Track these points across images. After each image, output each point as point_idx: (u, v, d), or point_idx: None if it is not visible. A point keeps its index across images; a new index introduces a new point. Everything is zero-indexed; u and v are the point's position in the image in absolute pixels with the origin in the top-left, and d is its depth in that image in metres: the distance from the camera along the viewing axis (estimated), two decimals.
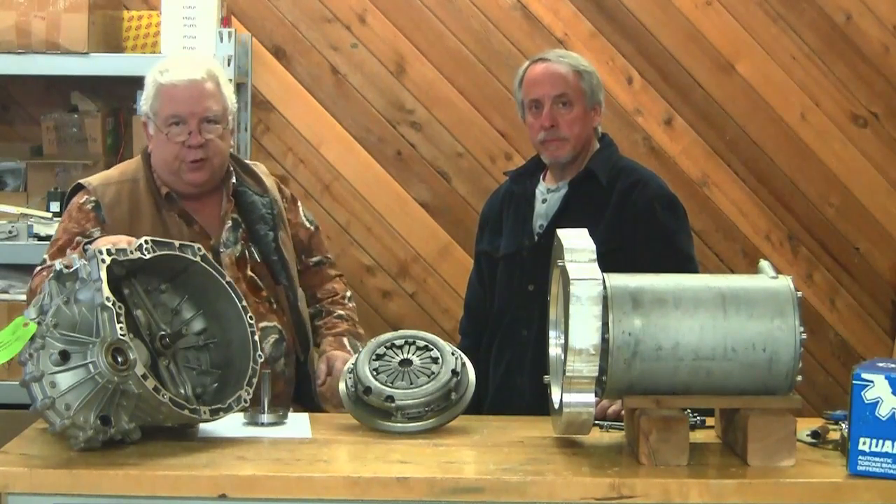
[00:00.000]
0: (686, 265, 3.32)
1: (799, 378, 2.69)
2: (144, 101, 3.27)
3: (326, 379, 3.17)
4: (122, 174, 3.32)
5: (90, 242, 3.03)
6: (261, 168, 3.47)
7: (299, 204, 3.48)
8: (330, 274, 3.47)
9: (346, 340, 3.28)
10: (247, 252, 3.29)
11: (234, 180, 3.32)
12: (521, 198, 3.54)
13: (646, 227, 3.38)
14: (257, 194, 3.34)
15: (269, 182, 3.42)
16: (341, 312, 3.39)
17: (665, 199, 3.45)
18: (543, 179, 3.54)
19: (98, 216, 3.24)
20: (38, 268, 3.22)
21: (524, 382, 3.37)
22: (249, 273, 3.26)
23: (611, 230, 3.36)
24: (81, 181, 3.34)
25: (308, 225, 3.45)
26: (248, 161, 3.51)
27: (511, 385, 3.45)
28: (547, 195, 3.51)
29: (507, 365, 3.48)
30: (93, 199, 3.26)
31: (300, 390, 3.34)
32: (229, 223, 3.30)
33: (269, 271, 3.30)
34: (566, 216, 3.40)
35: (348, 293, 3.48)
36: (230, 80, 4.17)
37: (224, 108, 3.26)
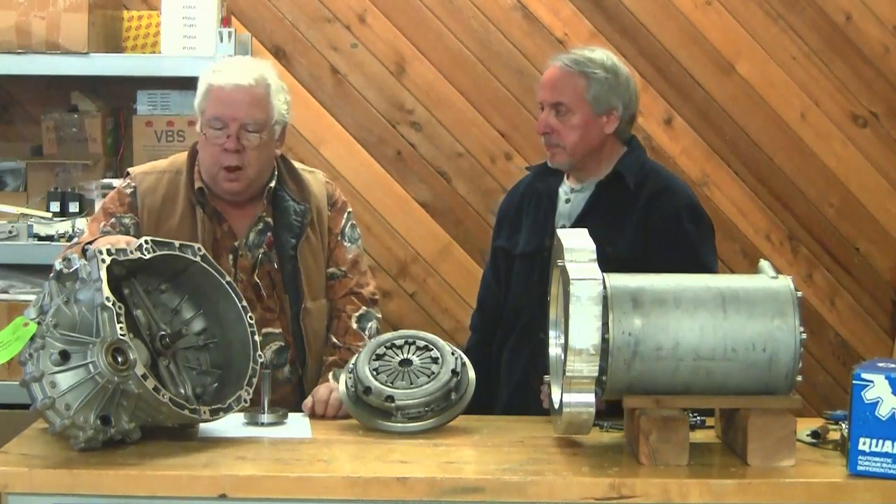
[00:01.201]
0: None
1: (799, 378, 2.69)
2: (196, 98, 3.28)
3: (313, 408, 3.11)
4: (171, 164, 3.35)
5: (90, 243, 3.03)
6: (318, 175, 3.44)
7: (346, 215, 3.42)
8: (342, 290, 3.38)
9: (330, 375, 3.24)
10: (265, 257, 3.28)
11: (273, 184, 3.30)
12: (543, 195, 3.48)
13: (670, 235, 3.32)
14: (294, 200, 3.31)
15: (318, 189, 3.38)
16: (335, 341, 3.32)
17: (692, 209, 3.40)
18: (567, 178, 3.48)
19: (133, 202, 3.28)
20: (73, 241, 3.29)
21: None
22: (255, 279, 3.26)
23: (636, 235, 3.32)
24: (130, 168, 3.40)
25: (338, 235, 3.39)
26: (305, 167, 3.47)
27: (528, 390, 3.36)
28: (570, 195, 3.45)
29: (524, 370, 3.42)
30: (133, 185, 3.31)
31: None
32: (260, 226, 3.30)
33: (283, 278, 3.29)
34: (591, 217, 3.33)
35: (358, 312, 3.37)
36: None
37: (268, 118, 3.25)
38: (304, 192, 3.35)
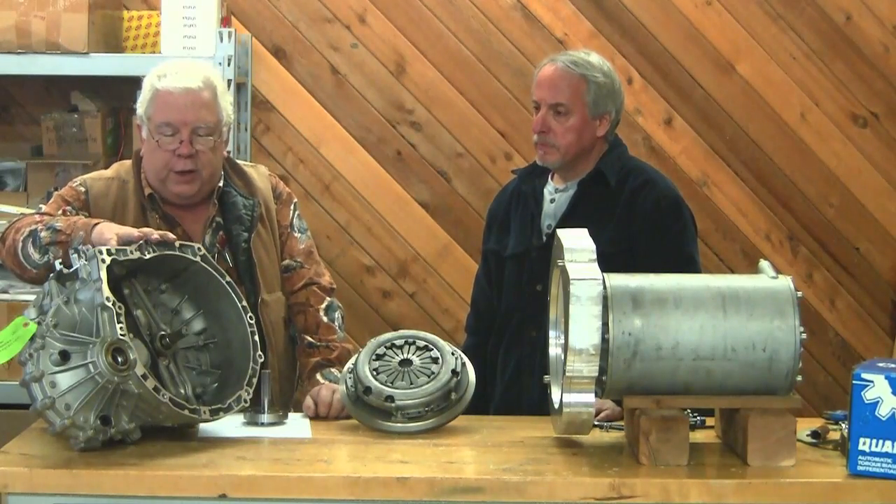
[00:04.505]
0: (687, 266, 3.31)
1: (799, 378, 2.69)
2: (140, 104, 3.25)
3: (317, 409, 3.10)
4: (115, 173, 3.32)
5: (95, 225, 3.00)
6: (260, 169, 3.44)
7: (293, 206, 3.42)
8: (300, 280, 3.36)
9: (318, 377, 3.24)
10: (220, 255, 3.24)
11: (220, 184, 3.29)
12: (529, 197, 3.53)
13: (650, 227, 3.37)
14: (241, 195, 3.30)
15: (263, 183, 3.38)
16: (311, 340, 3.31)
17: (670, 200, 3.44)
18: (552, 179, 3.53)
19: (86, 201, 3.23)
20: (32, 213, 3.23)
21: (532, 383, 3.34)
22: None
23: (619, 231, 3.35)
24: (76, 178, 3.35)
25: (288, 227, 3.39)
26: (246, 163, 3.49)
27: (520, 386, 3.44)
28: (555, 195, 3.49)
29: (516, 366, 3.46)
30: (84, 187, 3.26)
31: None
32: (213, 226, 3.28)
33: (238, 272, 3.27)
34: (574, 216, 3.38)
35: (323, 304, 3.36)
36: (230, 82, 4.20)
37: (218, 120, 3.22)
38: (251, 187, 3.35)
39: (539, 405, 3.11)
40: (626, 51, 4.73)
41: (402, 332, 3.12)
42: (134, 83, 3.33)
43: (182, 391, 2.83)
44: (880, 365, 2.57)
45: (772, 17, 4.73)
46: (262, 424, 2.97)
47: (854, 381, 2.54)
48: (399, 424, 2.93)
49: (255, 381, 2.90)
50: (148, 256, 2.82)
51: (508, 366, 3.49)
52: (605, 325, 2.64)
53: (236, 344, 2.94)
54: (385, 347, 3.04)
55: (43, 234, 3.04)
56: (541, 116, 3.43)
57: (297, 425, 3.00)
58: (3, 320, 3.88)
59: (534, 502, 2.56)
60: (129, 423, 2.68)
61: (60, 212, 3.16)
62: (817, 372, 4.80)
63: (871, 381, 2.53)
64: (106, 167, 3.50)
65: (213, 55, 4.24)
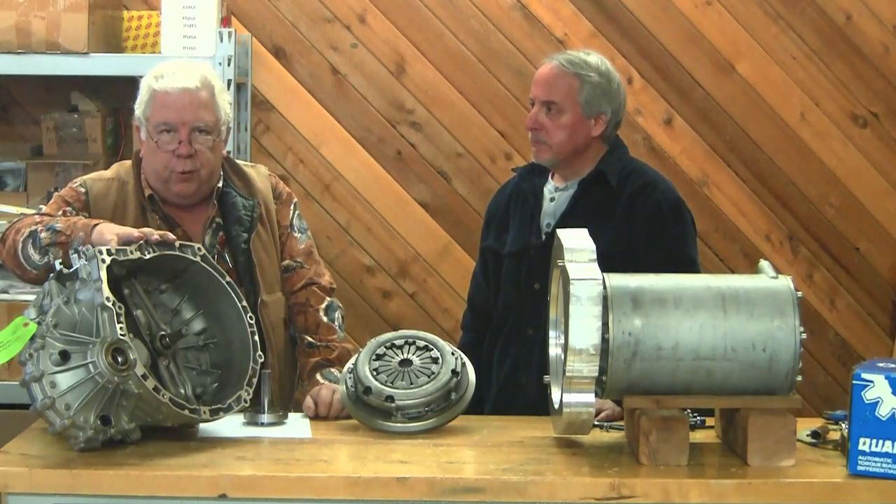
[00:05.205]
0: (688, 269, 3.30)
1: (799, 378, 2.69)
2: (138, 105, 3.25)
3: (317, 409, 3.11)
4: (115, 173, 3.32)
5: (95, 226, 3.01)
6: (260, 170, 3.44)
7: (293, 206, 3.42)
8: (300, 280, 3.36)
9: (318, 377, 3.25)
10: (219, 256, 3.24)
11: (220, 184, 3.29)
12: (529, 195, 3.53)
13: (651, 230, 3.37)
14: (241, 196, 3.31)
15: (263, 183, 3.38)
16: (311, 340, 3.31)
17: (671, 202, 3.44)
18: (552, 178, 3.53)
19: (87, 202, 3.23)
20: (32, 214, 3.23)
21: (529, 381, 3.36)
22: None
23: (619, 232, 3.35)
24: (76, 179, 3.35)
25: (288, 227, 3.39)
26: (246, 163, 3.49)
27: (516, 384, 3.44)
28: (555, 194, 3.49)
29: (512, 363, 3.47)
30: (84, 188, 3.26)
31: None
32: (213, 226, 3.28)
33: (237, 273, 3.27)
34: (574, 216, 3.39)
35: (323, 304, 3.36)
36: (230, 82, 4.21)
37: (217, 119, 3.22)
38: (250, 188, 3.35)
39: (536, 404, 3.11)
40: (626, 51, 4.72)
41: (402, 332, 3.12)
42: (134, 83, 3.33)
43: (182, 391, 2.83)
44: (880, 365, 2.57)
45: (772, 17, 4.73)
46: (262, 424, 2.97)
47: (854, 381, 2.54)
48: (399, 424, 2.93)
49: (255, 381, 2.90)
50: (148, 256, 2.82)
51: (505, 364, 3.49)
52: (605, 325, 2.64)
53: (236, 344, 2.94)
54: (385, 347, 3.04)
55: (43, 234, 3.04)
56: (533, 113, 3.45)
57: (297, 425, 3.00)
58: (3, 320, 3.88)
59: (534, 502, 2.56)
60: (129, 423, 2.68)
61: (60, 212, 3.17)
62: (817, 372, 4.80)
63: (871, 381, 2.53)
64: (106, 167, 3.49)
65: (213, 55, 4.24)
